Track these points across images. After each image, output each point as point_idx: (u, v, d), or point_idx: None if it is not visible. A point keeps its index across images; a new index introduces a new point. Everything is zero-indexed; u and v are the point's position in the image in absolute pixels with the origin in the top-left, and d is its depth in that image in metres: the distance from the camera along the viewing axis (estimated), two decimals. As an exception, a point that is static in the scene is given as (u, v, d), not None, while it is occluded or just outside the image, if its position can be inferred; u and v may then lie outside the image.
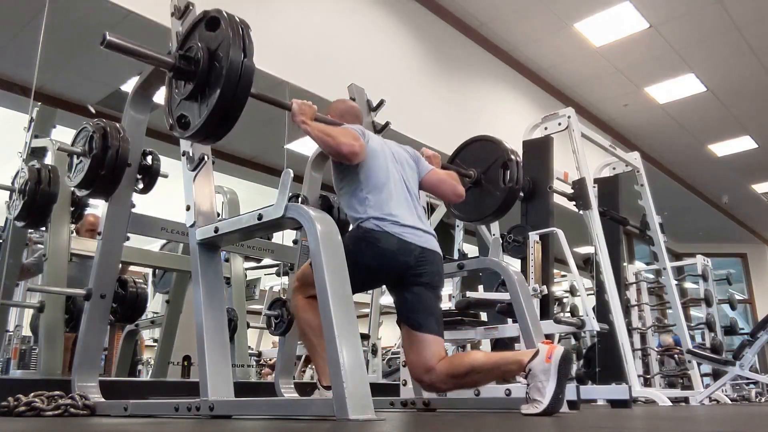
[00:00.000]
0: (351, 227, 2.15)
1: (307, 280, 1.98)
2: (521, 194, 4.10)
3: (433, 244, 2.14)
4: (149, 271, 5.51)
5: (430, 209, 5.21)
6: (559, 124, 4.23)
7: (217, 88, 1.60)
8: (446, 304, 6.33)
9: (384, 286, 4.31)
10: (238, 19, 1.66)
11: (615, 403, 3.47)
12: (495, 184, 2.80)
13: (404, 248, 2.04)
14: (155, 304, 4.84)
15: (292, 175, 1.65)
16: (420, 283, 2.07)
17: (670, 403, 3.75)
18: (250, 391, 3.02)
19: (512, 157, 2.79)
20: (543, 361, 1.87)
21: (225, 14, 1.67)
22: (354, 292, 1.67)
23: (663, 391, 4.31)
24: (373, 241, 2.02)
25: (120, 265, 2.41)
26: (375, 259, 2.02)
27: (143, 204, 2.41)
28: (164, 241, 4.17)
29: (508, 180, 2.76)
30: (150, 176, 2.40)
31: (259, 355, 5.86)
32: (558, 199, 4.21)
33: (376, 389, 2.18)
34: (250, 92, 1.65)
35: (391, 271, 2.07)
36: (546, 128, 4.27)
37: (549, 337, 3.72)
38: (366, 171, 2.12)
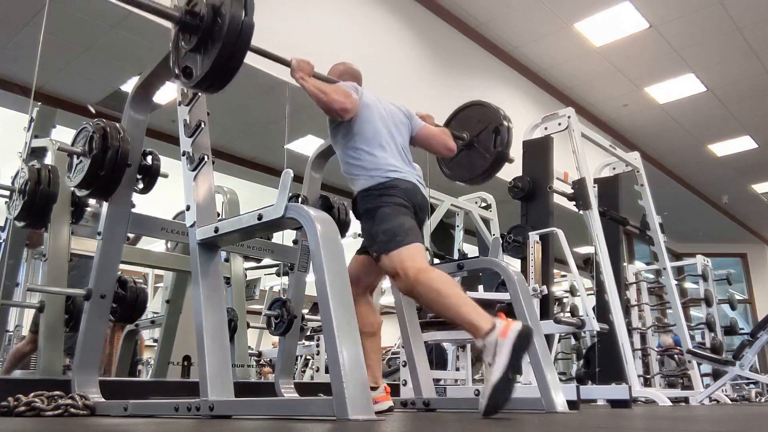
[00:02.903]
0: (356, 185, 2.27)
1: None
2: (520, 188, 4.12)
3: (426, 193, 2.37)
4: (149, 270, 5.52)
5: (431, 209, 5.22)
6: (559, 124, 4.23)
7: (219, 43, 1.69)
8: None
9: (381, 285, 4.32)
10: None
11: (615, 403, 3.47)
12: (486, 148, 2.87)
13: (414, 188, 2.26)
14: (155, 304, 4.84)
15: (292, 175, 1.65)
16: (418, 221, 2.28)
17: (670, 403, 3.75)
18: (250, 391, 3.02)
19: (504, 122, 2.86)
20: (497, 337, 1.78)
21: None
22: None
23: (663, 391, 4.31)
24: (392, 187, 2.19)
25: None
26: (402, 198, 2.18)
27: (143, 204, 2.41)
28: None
29: (498, 144, 2.83)
30: (150, 176, 2.40)
31: (260, 355, 5.86)
32: (558, 199, 4.21)
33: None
34: (250, 47, 1.74)
35: (412, 204, 2.22)
36: (546, 128, 4.27)
37: (549, 337, 3.73)
38: (359, 125, 2.28)
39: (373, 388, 2.02)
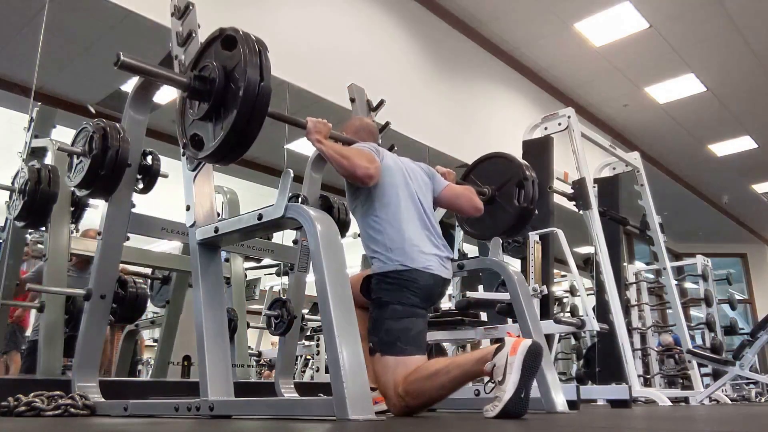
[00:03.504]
0: (372, 263, 2.07)
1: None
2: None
3: (449, 273, 2.13)
4: (149, 272, 5.52)
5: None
6: (559, 124, 4.24)
7: (232, 110, 1.56)
8: (446, 304, 6.34)
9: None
10: (254, 38, 1.62)
11: (615, 403, 3.47)
12: (509, 203, 2.73)
13: (436, 281, 2.05)
14: (155, 304, 4.84)
15: (292, 175, 1.64)
16: (427, 312, 2.09)
17: (670, 403, 3.75)
18: (250, 391, 3.02)
19: (528, 175, 2.72)
20: (507, 354, 1.70)
21: (242, 33, 1.63)
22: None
23: (663, 391, 4.31)
24: (411, 281, 1.99)
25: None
26: (418, 296, 2.00)
27: (143, 204, 2.41)
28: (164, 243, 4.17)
29: (522, 199, 2.71)
30: (150, 176, 2.40)
31: (259, 355, 5.86)
32: (558, 199, 4.21)
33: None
34: (267, 112, 1.61)
35: (427, 302, 2.06)
36: (546, 128, 4.27)
37: (549, 337, 3.73)
38: (380, 189, 2.08)
39: (373, 389, 2.02)
